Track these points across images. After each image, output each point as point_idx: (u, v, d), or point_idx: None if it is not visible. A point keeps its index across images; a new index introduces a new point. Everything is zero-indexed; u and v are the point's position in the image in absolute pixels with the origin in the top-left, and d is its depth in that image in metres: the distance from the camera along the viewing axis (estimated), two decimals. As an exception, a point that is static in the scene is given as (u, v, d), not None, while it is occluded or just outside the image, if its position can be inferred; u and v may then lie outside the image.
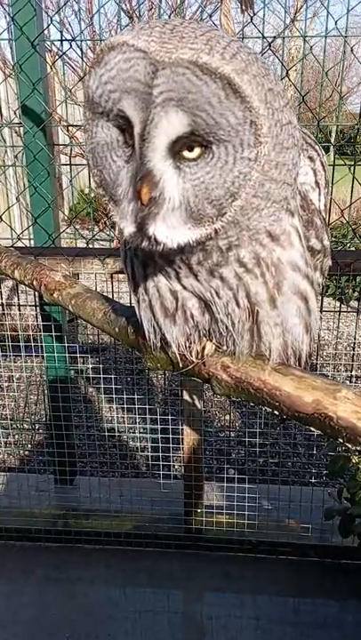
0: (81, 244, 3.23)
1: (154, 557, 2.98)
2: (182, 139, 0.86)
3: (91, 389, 5.13)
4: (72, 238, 3.10)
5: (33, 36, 2.64)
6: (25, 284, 1.94)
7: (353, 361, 4.25)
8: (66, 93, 3.15)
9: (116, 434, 4.38)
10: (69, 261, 2.52)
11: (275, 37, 2.80)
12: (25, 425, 4.46)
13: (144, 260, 1.09)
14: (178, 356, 1.20)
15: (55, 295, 1.78)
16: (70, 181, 2.74)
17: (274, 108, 0.89)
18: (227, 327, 1.10)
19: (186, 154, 0.88)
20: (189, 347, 1.19)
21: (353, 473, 2.16)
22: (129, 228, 0.94)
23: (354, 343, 5.41)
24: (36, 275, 1.87)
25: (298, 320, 1.07)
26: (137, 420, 4.12)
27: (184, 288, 1.07)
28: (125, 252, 1.14)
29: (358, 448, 0.96)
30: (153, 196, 0.89)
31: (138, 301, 1.17)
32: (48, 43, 3.02)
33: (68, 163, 2.75)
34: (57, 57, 2.96)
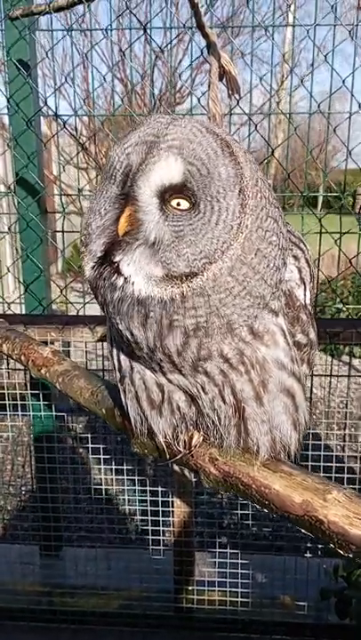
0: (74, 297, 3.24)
1: (143, 637, 2.83)
2: (174, 189, 0.92)
3: (80, 450, 5.02)
4: (64, 302, 3.10)
5: (29, 109, 2.73)
6: (13, 359, 1.92)
7: (346, 418, 4.21)
8: (59, 155, 3.22)
9: (104, 496, 4.26)
10: (59, 330, 2.51)
11: (264, 111, 2.92)
12: (11, 489, 4.34)
13: (130, 353, 1.09)
14: (165, 445, 1.18)
15: (43, 372, 1.76)
16: (63, 250, 2.77)
17: (262, 193, 0.95)
18: (213, 422, 1.08)
19: (174, 204, 0.93)
20: (177, 437, 1.17)
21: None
22: (95, 254, 0.99)
23: (346, 401, 5.38)
24: (24, 350, 1.85)
25: (285, 417, 1.06)
26: (125, 482, 4.02)
27: (170, 382, 1.07)
28: (111, 342, 1.14)
29: (350, 555, 0.93)
30: (128, 230, 0.93)
31: (124, 391, 1.15)
32: (45, 108, 3.12)
33: (62, 210, 2.78)
34: (53, 123, 3.06)
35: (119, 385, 1.17)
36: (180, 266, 0.92)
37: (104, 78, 2.81)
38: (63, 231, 3.06)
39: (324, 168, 2.79)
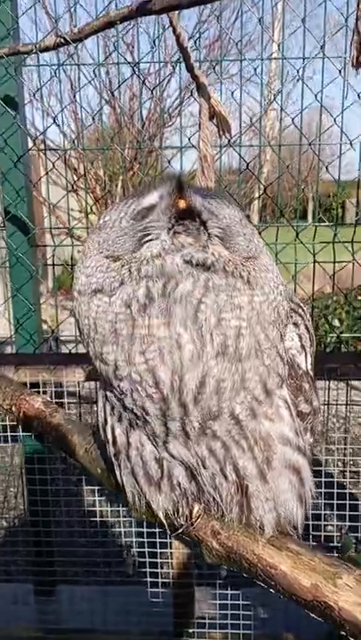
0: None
1: None
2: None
3: (73, 478, 4.94)
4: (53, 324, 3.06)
5: (17, 146, 2.70)
6: (3, 409, 1.87)
7: (346, 444, 4.17)
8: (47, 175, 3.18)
9: (99, 529, 4.17)
10: (51, 371, 2.47)
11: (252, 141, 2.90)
12: (3, 522, 4.25)
13: (130, 423, 1.04)
14: (164, 520, 1.13)
15: (35, 424, 1.72)
16: (53, 267, 2.73)
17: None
18: (214, 498, 1.04)
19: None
20: (177, 511, 1.12)
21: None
22: (167, 242, 0.95)
23: (345, 420, 5.33)
24: (15, 400, 1.80)
25: (291, 494, 1.02)
26: (121, 513, 3.94)
27: (171, 456, 1.02)
28: (105, 415, 1.10)
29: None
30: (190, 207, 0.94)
31: (119, 466, 1.11)
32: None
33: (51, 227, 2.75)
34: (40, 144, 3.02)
35: (113, 459, 1.13)
36: (242, 245, 1.01)
37: (92, 108, 2.75)
38: (53, 264, 3.02)
39: (316, 181, 2.76)
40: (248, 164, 2.32)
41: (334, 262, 2.60)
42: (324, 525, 2.90)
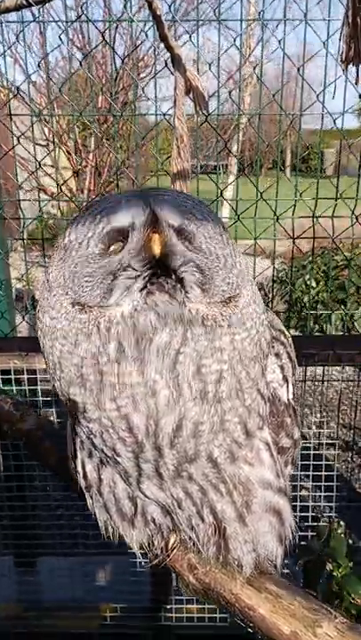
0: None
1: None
2: (179, 227, 0.88)
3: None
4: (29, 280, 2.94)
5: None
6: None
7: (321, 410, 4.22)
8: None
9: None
10: (23, 357, 2.37)
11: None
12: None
13: (100, 460, 0.98)
14: (139, 553, 1.09)
15: (5, 428, 1.64)
16: (24, 226, 2.60)
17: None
18: (190, 537, 1.00)
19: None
20: (152, 544, 1.08)
21: (326, 580, 2.08)
22: (137, 301, 0.84)
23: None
24: (-17, 401, 1.72)
25: (270, 535, 0.98)
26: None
27: (144, 495, 0.97)
28: (74, 450, 1.03)
29: None
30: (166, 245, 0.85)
31: (91, 498, 1.06)
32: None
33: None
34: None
35: (85, 491, 1.07)
36: (222, 287, 0.90)
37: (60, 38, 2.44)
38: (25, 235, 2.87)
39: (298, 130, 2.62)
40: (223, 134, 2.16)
41: (333, 216, 2.42)
42: (300, 487, 2.93)
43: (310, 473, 2.80)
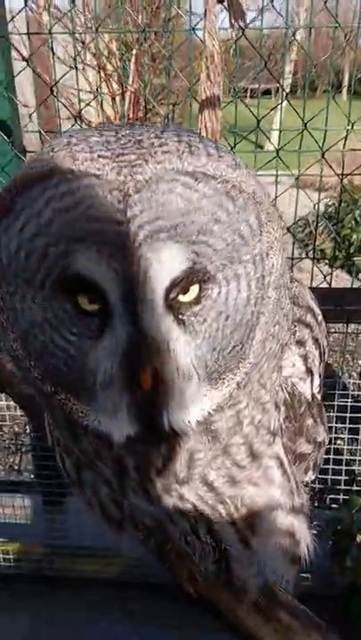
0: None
1: (143, 605, 2.82)
2: (179, 281, 0.59)
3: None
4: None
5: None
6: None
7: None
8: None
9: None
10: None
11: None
12: (11, 429, 4.28)
13: (78, 462, 0.83)
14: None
15: (7, 391, 1.51)
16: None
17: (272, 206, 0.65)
18: (186, 551, 0.84)
19: (181, 298, 0.61)
20: (145, 547, 0.94)
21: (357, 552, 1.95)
22: (127, 430, 0.65)
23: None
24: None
25: (281, 559, 0.81)
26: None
27: (130, 502, 0.81)
28: (52, 441, 0.88)
29: None
30: (160, 375, 0.62)
31: (75, 494, 0.92)
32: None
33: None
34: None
35: (71, 485, 0.93)
36: (230, 364, 0.66)
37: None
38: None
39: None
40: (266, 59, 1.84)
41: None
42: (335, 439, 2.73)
43: (347, 425, 2.56)
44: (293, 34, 2.97)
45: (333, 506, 2.32)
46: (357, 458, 2.48)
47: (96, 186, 0.54)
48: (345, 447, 2.43)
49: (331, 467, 2.47)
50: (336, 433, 2.75)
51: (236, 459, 0.72)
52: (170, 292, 0.58)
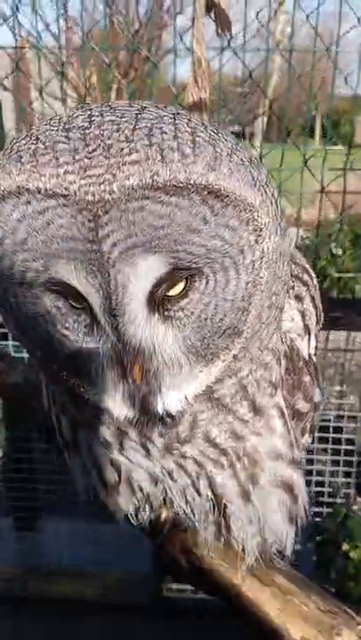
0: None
1: (124, 625, 2.71)
2: (162, 281, 0.59)
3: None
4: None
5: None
6: None
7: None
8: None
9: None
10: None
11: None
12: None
13: (74, 421, 0.81)
14: (127, 522, 0.93)
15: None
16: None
17: (264, 186, 0.62)
18: (185, 512, 0.82)
19: (169, 293, 0.61)
20: (139, 514, 0.91)
21: (342, 561, 1.91)
22: (125, 413, 0.68)
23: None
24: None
25: (280, 515, 0.80)
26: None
27: (129, 461, 0.80)
28: (48, 401, 0.86)
29: None
30: (148, 369, 0.64)
31: (69, 458, 0.89)
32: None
33: None
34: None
35: (63, 449, 0.91)
36: (222, 344, 0.66)
37: None
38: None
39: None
40: (251, 73, 1.92)
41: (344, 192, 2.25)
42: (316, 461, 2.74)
43: (329, 446, 2.61)
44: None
45: (317, 519, 2.29)
46: (339, 479, 2.47)
47: (65, 206, 0.53)
48: (326, 468, 2.44)
49: (314, 478, 2.48)
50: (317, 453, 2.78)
51: (237, 414, 0.71)
52: (154, 293, 0.59)
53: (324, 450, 2.69)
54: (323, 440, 2.62)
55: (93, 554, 2.91)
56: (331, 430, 2.57)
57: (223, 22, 1.74)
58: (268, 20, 2.57)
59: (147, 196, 0.52)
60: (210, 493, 0.77)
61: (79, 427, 0.82)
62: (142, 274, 0.56)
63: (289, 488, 0.79)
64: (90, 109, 0.58)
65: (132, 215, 0.53)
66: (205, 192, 0.54)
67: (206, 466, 0.74)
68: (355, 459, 2.56)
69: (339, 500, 2.35)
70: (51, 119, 0.60)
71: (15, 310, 0.65)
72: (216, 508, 0.78)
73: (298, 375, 0.78)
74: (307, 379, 0.80)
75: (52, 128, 0.57)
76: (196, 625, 2.68)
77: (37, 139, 0.56)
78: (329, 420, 2.65)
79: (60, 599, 2.75)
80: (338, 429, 2.62)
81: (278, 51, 3.09)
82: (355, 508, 2.43)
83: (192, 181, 0.53)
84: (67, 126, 0.56)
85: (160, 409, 0.67)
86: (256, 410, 0.72)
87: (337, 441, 2.57)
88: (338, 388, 4.22)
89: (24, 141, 0.57)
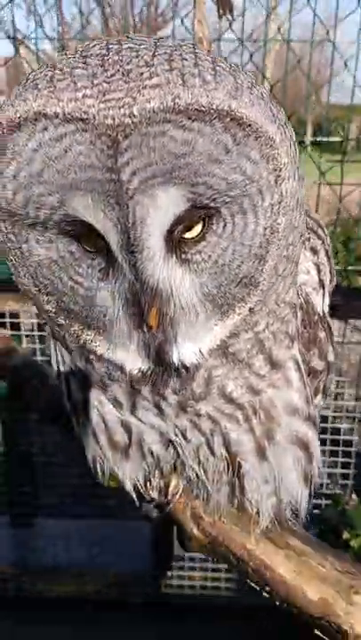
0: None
1: (122, 625, 2.67)
2: (180, 220, 0.57)
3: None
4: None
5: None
6: None
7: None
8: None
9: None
10: (18, 298, 2.17)
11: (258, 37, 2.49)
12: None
13: (83, 382, 0.79)
14: (134, 493, 0.90)
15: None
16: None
17: (283, 126, 0.60)
18: (197, 475, 0.80)
19: (186, 235, 0.59)
20: (149, 483, 0.89)
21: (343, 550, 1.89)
22: (139, 365, 0.67)
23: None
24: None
25: (296, 474, 0.78)
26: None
27: (140, 421, 0.78)
28: (57, 363, 0.84)
29: None
30: (165, 314, 0.62)
31: (77, 424, 0.87)
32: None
33: None
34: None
35: (71, 416, 0.88)
36: (239, 294, 0.65)
37: None
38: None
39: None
40: (251, 56, 1.91)
41: (341, 184, 2.25)
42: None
43: (326, 448, 2.58)
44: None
45: (315, 511, 2.27)
46: (339, 459, 2.46)
47: (84, 131, 0.51)
48: (327, 448, 2.42)
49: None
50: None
51: (253, 368, 0.70)
52: (172, 232, 0.58)
53: (322, 451, 2.67)
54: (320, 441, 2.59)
55: (91, 552, 2.87)
56: (328, 432, 2.55)
57: (225, 4, 1.73)
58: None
59: (168, 119, 0.51)
60: (224, 451, 0.75)
61: (89, 388, 0.80)
62: (161, 208, 0.55)
63: (304, 445, 0.77)
64: (106, 40, 0.57)
65: (153, 141, 0.51)
66: (228, 119, 0.52)
67: (221, 422, 0.72)
68: (353, 460, 2.53)
69: (338, 491, 2.33)
70: (66, 53, 0.58)
71: (27, 257, 0.64)
72: (230, 468, 0.76)
73: (313, 329, 0.77)
74: (322, 335, 0.79)
75: (68, 57, 0.55)
76: (195, 624, 2.64)
77: (54, 67, 0.54)
78: (326, 419, 2.63)
79: (57, 598, 2.70)
80: (335, 430, 2.60)
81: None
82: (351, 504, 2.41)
83: (215, 106, 0.52)
84: (84, 54, 0.55)
85: (175, 359, 0.65)
86: (273, 363, 0.70)
87: (335, 442, 2.55)
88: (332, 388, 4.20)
89: (40, 71, 0.55)
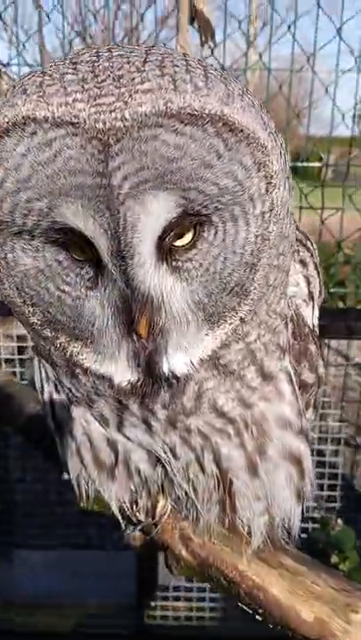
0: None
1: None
2: (171, 226, 0.56)
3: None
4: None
5: None
6: None
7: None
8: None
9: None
10: (1, 322, 2.15)
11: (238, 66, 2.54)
12: None
13: (68, 399, 0.77)
14: (119, 515, 0.87)
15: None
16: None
17: (274, 134, 0.60)
18: (187, 493, 0.78)
19: (177, 243, 0.59)
20: (135, 504, 0.86)
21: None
22: (128, 377, 0.65)
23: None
24: None
25: (288, 491, 0.76)
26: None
27: (127, 439, 0.76)
28: (40, 382, 0.82)
29: None
30: (155, 323, 0.61)
31: (61, 444, 0.85)
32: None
33: None
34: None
35: (54, 435, 0.86)
36: (230, 304, 0.65)
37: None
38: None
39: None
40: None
41: (322, 208, 2.31)
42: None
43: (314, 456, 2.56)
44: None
45: (302, 535, 2.24)
46: (325, 482, 2.44)
47: (74, 135, 0.50)
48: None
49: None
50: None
51: (245, 380, 0.69)
52: (163, 239, 0.57)
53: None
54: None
55: (71, 584, 2.78)
56: (314, 453, 2.53)
57: (206, 30, 1.76)
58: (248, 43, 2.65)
59: (160, 123, 0.50)
60: (215, 468, 0.73)
61: (74, 405, 0.78)
62: (153, 213, 0.54)
63: (297, 460, 0.75)
64: (96, 48, 0.57)
65: (145, 145, 0.50)
66: (220, 123, 0.52)
67: (212, 437, 0.71)
68: (338, 482, 2.51)
69: (324, 515, 2.30)
70: (54, 60, 0.58)
71: (12, 267, 0.62)
72: (221, 485, 0.74)
73: (304, 342, 0.76)
74: (313, 347, 0.78)
75: (57, 63, 0.55)
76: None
77: (43, 73, 0.54)
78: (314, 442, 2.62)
79: (36, 633, 2.60)
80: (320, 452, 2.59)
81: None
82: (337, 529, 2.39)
83: (207, 111, 0.52)
84: (74, 60, 0.54)
85: (166, 369, 0.63)
86: (264, 375, 0.70)
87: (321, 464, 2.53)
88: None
89: (28, 78, 0.55)
